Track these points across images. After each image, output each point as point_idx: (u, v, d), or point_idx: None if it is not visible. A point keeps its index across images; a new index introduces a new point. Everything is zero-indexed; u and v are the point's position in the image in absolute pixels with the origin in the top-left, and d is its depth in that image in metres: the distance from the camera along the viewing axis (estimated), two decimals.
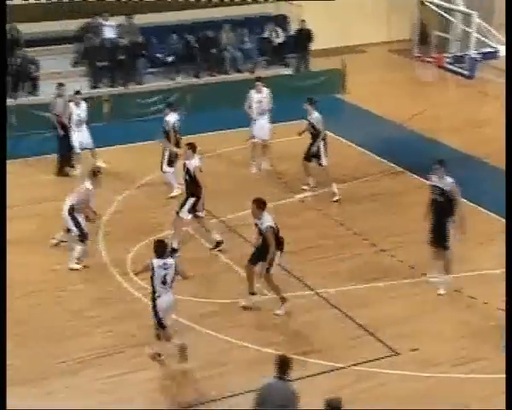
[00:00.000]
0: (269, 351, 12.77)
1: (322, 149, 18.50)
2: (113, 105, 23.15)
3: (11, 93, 22.89)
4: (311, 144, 18.57)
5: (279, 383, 9.76)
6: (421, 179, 18.45)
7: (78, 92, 19.85)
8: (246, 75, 25.91)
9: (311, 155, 18.60)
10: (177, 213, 16.06)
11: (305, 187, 18.91)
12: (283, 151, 20.36)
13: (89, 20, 25.19)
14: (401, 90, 26.38)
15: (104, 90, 24.28)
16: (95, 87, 24.27)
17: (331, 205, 18.19)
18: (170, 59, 25.60)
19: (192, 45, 25.84)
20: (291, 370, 9.84)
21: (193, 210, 15.99)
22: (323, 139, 18.56)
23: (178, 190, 18.10)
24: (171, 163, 18.53)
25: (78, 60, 25.06)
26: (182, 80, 25.31)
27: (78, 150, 19.56)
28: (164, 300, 12.45)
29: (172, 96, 23.49)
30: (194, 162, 15.90)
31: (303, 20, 26.85)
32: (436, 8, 29.31)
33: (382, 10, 30.62)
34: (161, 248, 12.53)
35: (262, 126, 19.83)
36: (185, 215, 16.01)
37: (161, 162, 18.55)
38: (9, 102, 21.76)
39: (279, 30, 27.19)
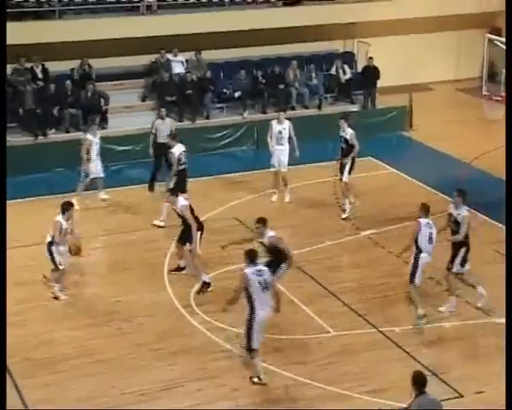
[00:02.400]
0: (333, 390, 12.69)
1: (349, 164, 18.97)
2: (181, 139, 23.36)
3: (82, 126, 23.32)
4: (342, 158, 19.12)
5: (428, 397, 10.19)
6: (488, 219, 18.23)
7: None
8: (312, 111, 26.02)
9: (340, 169, 19.22)
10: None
11: (347, 206, 19.16)
12: (352, 187, 20.33)
13: (158, 55, 25.63)
14: (469, 129, 26.15)
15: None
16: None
17: (397, 243, 18.01)
18: (237, 94, 25.81)
19: (259, 81, 26.04)
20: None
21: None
22: (354, 156, 19.05)
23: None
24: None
25: (147, 94, 25.45)
26: (248, 116, 25.50)
27: None
28: (262, 314, 12.31)
29: (239, 131, 23.69)
30: (180, 203, 15.97)
31: (370, 58, 26.91)
32: (504, 46, 29.06)
33: (450, 48, 30.46)
34: (252, 255, 12.53)
35: (280, 157, 19.95)
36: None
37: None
38: (80, 134, 22.16)
39: (346, 67, 27.27)
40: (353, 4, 27.77)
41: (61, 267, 15.39)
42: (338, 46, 28.23)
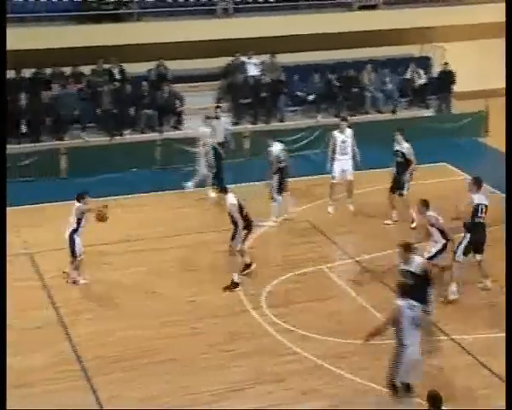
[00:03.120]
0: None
1: (408, 179, 18.75)
2: (254, 142, 23.52)
3: (157, 127, 23.62)
4: (398, 174, 18.78)
5: None
6: None
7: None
8: (386, 116, 25.91)
9: (397, 187, 18.83)
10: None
11: (388, 222, 18.87)
12: (421, 194, 20.17)
13: (233, 58, 25.81)
14: None
15: (246, 127, 24.74)
16: (237, 123, 24.72)
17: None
18: (311, 97, 25.84)
19: (333, 84, 26.03)
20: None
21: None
22: (412, 171, 18.78)
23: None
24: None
25: (222, 96, 25.65)
26: (322, 119, 25.50)
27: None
28: (413, 351, 11.75)
29: (312, 134, 23.71)
30: (229, 201, 16.14)
31: (446, 63, 26.67)
32: None
33: None
34: (405, 289, 12.24)
35: (343, 166, 19.82)
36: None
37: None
38: (155, 135, 22.49)
39: (421, 71, 27.07)
40: (429, 9, 27.56)
41: (79, 258, 16.08)
42: (413, 50, 28.01)
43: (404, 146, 18.77)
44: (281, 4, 26.93)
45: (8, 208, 19.52)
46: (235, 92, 25.28)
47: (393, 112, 26.22)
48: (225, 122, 21.63)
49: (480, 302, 15.71)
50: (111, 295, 15.88)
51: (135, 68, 24.98)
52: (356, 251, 17.72)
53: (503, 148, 23.81)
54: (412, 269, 13.36)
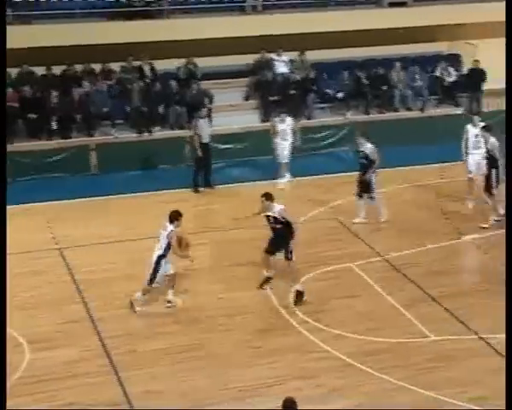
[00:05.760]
0: (431, 395, 12.60)
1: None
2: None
3: (186, 124, 23.70)
4: (490, 173, 18.39)
5: None
6: None
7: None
8: (416, 113, 25.84)
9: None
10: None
11: (484, 225, 18.54)
12: (455, 190, 20.18)
13: (262, 55, 25.80)
14: None
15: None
16: (266, 120, 24.72)
17: (502, 248, 17.70)
18: (340, 95, 25.81)
19: (362, 82, 25.97)
20: None
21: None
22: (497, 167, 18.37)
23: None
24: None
25: (251, 93, 25.67)
26: (351, 116, 25.45)
27: None
28: None
29: (342, 131, 23.68)
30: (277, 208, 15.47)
31: (476, 60, 26.50)
32: None
33: None
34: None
35: (477, 161, 19.51)
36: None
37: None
38: (185, 132, 22.56)
39: (451, 69, 26.95)
40: (459, 5, 27.41)
41: (154, 286, 15.08)
42: (443, 48, 27.90)
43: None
44: (310, 1, 26.91)
45: (38, 204, 19.75)
46: (264, 89, 25.28)
47: (422, 110, 26.12)
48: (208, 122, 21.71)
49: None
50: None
51: (164, 65, 25.08)
52: (384, 249, 17.64)
53: None
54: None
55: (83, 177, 22.03)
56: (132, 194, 20.79)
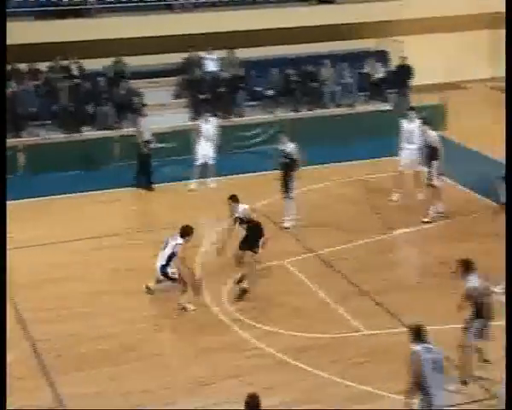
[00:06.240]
0: (365, 389, 12.68)
1: (436, 167, 18.62)
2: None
3: (115, 124, 23.45)
4: (431, 164, 18.65)
5: None
6: None
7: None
8: (345, 110, 25.99)
9: (431, 177, 18.72)
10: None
11: (426, 219, 18.73)
12: (385, 186, 20.35)
13: (191, 53, 25.70)
14: (504, 128, 25.90)
15: None
16: (195, 119, 24.59)
17: (433, 242, 17.92)
18: (269, 92, 25.84)
19: (292, 79, 26.04)
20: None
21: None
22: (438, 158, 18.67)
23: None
24: None
25: (180, 92, 25.53)
26: (281, 114, 25.50)
27: None
28: (438, 401, 10.46)
29: (271, 129, 23.70)
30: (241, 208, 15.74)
31: (403, 56, 26.79)
32: None
33: (484, 46, 30.27)
34: (417, 332, 10.87)
35: (410, 156, 19.83)
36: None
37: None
38: (113, 132, 22.32)
39: (379, 65, 27.19)
40: (387, 3, 27.69)
41: (176, 276, 14.94)
42: (371, 44, 28.13)
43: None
44: None
45: None
46: (194, 88, 25.18)
47: (352, 106, 26.29)
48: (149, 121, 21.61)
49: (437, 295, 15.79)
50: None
51: (93, 65, 24.78)
52: (316, 245, 17.69)
53: (461, 140, 24.18)
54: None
55: (10, 178, 21.60)
56: (65, 195, 20.53)
